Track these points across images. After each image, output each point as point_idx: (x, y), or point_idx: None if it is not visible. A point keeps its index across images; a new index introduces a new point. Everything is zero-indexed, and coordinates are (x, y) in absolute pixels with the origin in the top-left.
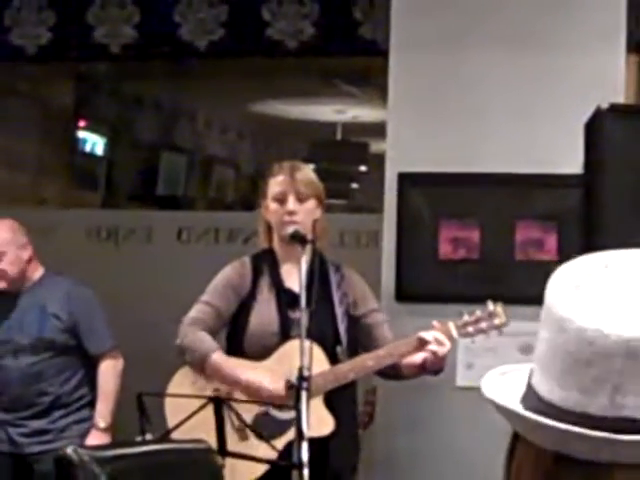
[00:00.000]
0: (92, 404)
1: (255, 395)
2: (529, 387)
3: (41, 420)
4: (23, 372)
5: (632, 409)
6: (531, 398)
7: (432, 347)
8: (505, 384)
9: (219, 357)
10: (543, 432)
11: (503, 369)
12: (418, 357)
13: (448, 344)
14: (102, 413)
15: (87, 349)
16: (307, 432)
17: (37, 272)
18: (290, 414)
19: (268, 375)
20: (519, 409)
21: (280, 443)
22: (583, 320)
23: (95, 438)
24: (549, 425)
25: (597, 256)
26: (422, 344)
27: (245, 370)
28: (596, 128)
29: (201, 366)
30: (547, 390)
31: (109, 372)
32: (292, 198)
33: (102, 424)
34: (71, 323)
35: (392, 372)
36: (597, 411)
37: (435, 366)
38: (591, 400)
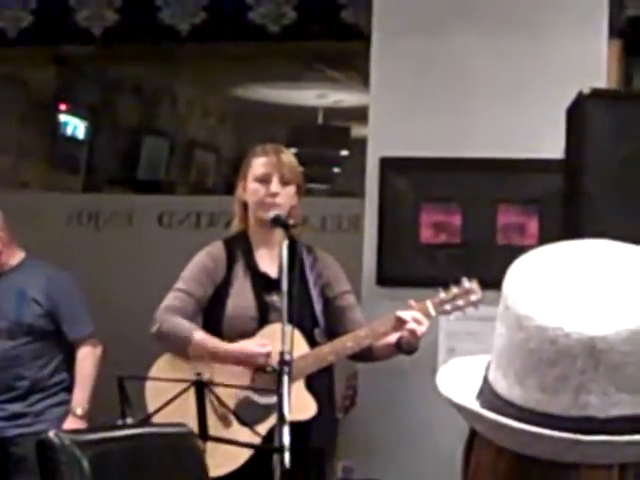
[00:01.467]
0: (70, 388)
1: (243, 362)
2: (486, 383)
3: (19, 403)
4: (0, 356)
5: (595, 408)
6: (488, 395)
7: (411, 326)
8: (461, 376)
9: (201, 335)
10: (505, 432)
11: (465, 359)
12: (393, 337)
13: (426, 322)
14: (79, 400)
15: (66, 335)
16: (290, 416)
17: (15, 257)
18: (272, 399)
19: (253, 341)
20: (480, 409)
21: (263, 428)
22: (543, 318)
23: (72, 424)
24: (512, 426)
25: (556, 248)
26: (400, 323)
27: (229, 343)
28: (578, 113)
29: (184, 348)
30: (506, 388)
31: (87, 359)
32: (276, 180)
33: (79, 411)
34: (51, 308)
35: (365, 354)
36: (560, 411)
37: (410, 345)
38: (553, 399)
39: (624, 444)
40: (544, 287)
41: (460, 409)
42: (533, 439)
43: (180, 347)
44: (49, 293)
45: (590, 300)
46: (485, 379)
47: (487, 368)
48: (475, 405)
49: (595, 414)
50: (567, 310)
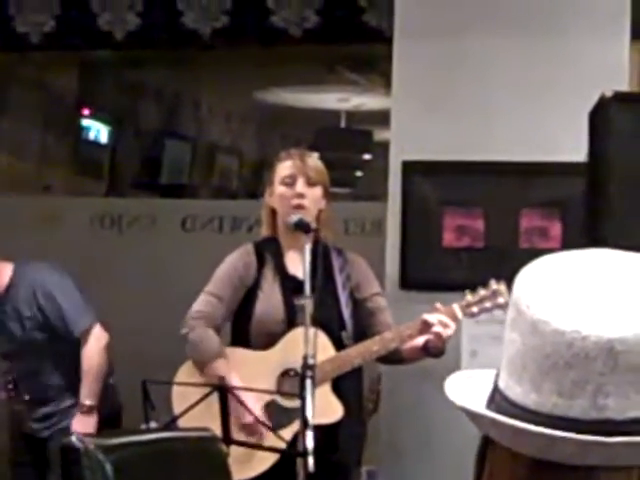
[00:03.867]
0: None
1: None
2: (496, 391)
3: (49, 406)
4: (21, 373)
5: (614, 411)
6: (501, 403)
7: (437, 329)
8: (468, 388)
9: (220, 365)
10: (522, 438)
11: (465, 373)
12: (420, 340)
13: (453, 326)
14: (86, 392)
15: (72, 334)
16: (315, 420)
17: (6, 274)
18: (298, 403)
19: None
20: (497, 416)
21: (288, 433)
22: (559, 322)
23: (80, 422)
24: (530, 431)
25: (565, 255)
26: (427, 326)
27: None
28: (600, 116)
29: (201, 368)
30: (520, 394)
31: (91, 349)
32: (302, 181)
33: (87, 401)
34: (43, 319)
35: (393, 357)
36: (578, 414)
37: (437, 349)
38: (571, 403)
39: None
40: (558, 291)
41: (475, 417)
42: (552, 443)
43: (198, 364)
44: (37, 305)
45: (605, 303)
46: (496, 387)
47: (497, 376)
48: (488, 412)
49: (614, 416)
50: (583, 314)
